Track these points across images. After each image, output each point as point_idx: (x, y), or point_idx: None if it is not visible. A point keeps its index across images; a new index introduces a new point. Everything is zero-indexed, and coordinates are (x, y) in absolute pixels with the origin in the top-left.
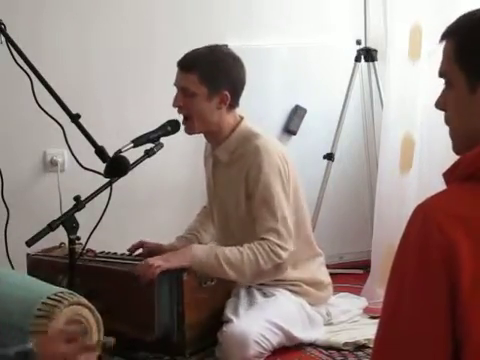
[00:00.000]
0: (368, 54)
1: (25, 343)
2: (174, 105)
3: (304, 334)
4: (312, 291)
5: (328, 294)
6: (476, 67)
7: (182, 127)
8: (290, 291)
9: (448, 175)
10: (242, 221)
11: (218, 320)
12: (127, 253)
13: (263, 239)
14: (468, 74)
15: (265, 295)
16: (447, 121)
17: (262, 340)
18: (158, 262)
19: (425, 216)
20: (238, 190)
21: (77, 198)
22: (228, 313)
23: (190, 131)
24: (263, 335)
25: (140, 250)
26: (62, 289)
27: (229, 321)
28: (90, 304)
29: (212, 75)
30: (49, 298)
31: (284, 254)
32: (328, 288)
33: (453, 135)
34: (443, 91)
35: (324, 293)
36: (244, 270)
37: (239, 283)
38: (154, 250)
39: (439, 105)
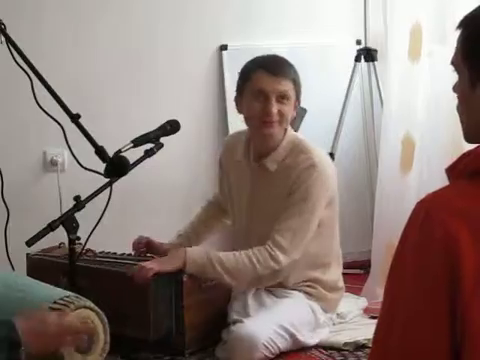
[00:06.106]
0: (368, 54)
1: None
2: (273, 112)
3: (308, 338)
4: (328, 296)
5: (340, 299)
6: (477, 65)
7: (182, 127)
8: (305, 293)
9: (450, 171)
10: None
11: (218, 320)
12: (127, 253)
13: (269, 241)
14: (470, 70)
15: (275, 296)
16: (457, 108)
17: (271, 344)
18: (151, 265)
19: (426, 211)
20: (281, 200)
21: (77, 198)
22: (236, 313)
23: (275, 131)
24: (272, 339)
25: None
26: (68, 293)
27: (238, 321)
28: (97, 307)
29: (299, 82)
30: (55, 302)
31: (284, 260)
32: (342, 295)
33: (461, 124)
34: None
35: (338, 297)
36: (240, 276)
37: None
38: (154, 249)
39: (454, 90)
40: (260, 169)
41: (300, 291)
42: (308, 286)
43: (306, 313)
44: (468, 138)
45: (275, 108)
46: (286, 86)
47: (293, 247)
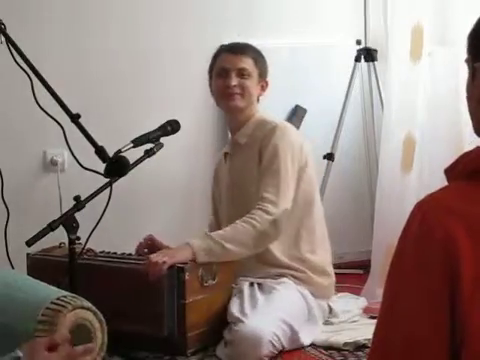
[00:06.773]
0: (368, 54)
1: (15, 350)
2: (232, 84)
3: (303, 331)
4: (316, 280)
5: (331, 287)
6: (477, 60)
7: (182, 127)
8: (293, 277)
9: (449, 172)
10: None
11: (219, 319)
12: (127, 253)
13: (258, 201)
14: (471, 59)
15: (267, 289)
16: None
17: (275, 340)
18: (163, 258)
19: (425, 212)
20: (253, 167)
21: (77, 198)
22: (235, 312)
23: (238, 103)
24: (276, 334)
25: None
26: (65, 293)
27: (239, 321)
28: (94, 307)
29: (261, 62)
30: (52, 303)
31: (274, 209)
32: (331, 282)
33: (471, 118)
34: None
35: (328, 284)
36: (244, 240)
37: (242, 273)
38: (157, 248)
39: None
40: (234, 145)
41: (289, 276)
42: (296, 270)
43: (298, 299)
44: (478, 132)
45: (234, 81)
46: (245, 63)
47: (280, 198)
